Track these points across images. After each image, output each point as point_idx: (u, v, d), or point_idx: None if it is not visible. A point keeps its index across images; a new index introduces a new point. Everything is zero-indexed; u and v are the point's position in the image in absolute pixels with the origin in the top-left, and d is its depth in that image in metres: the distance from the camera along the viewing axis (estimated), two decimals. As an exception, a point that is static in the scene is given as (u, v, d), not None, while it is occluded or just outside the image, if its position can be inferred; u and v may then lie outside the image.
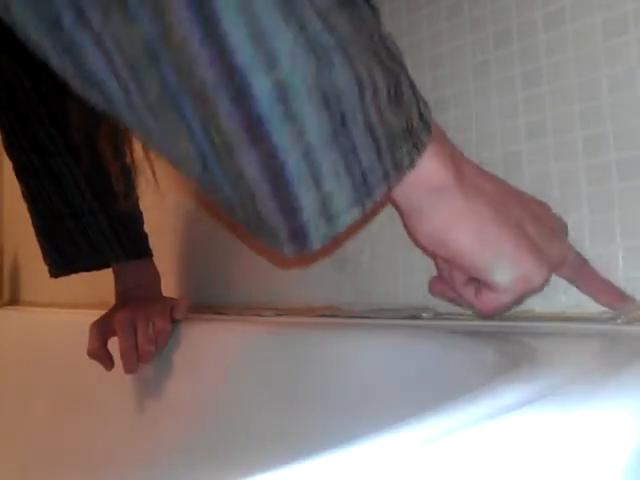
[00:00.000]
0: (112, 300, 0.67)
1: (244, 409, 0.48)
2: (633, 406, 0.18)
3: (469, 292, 0.35)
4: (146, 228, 0.69)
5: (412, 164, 0.29)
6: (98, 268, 0.68)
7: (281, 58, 0.24)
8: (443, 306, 0.46)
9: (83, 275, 0.68)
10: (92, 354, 0.60)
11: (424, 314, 0.47)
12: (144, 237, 0.68)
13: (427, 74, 0.49)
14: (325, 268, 0.57)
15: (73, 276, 0.68)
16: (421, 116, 0.30)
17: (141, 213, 0.68)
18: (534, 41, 0.42)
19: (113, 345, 0.60)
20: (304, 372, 0.44)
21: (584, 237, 0.39)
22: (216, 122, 0.25)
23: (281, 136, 0.25)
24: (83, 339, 0.61)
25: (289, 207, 0.27)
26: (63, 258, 0.66)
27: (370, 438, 0.16)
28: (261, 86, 0.24)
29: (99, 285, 0.79)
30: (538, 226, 0.33)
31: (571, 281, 0.38)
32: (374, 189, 0.28)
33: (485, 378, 0.24)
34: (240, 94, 0.25)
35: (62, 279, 0.68)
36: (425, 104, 0.31)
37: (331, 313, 0.55)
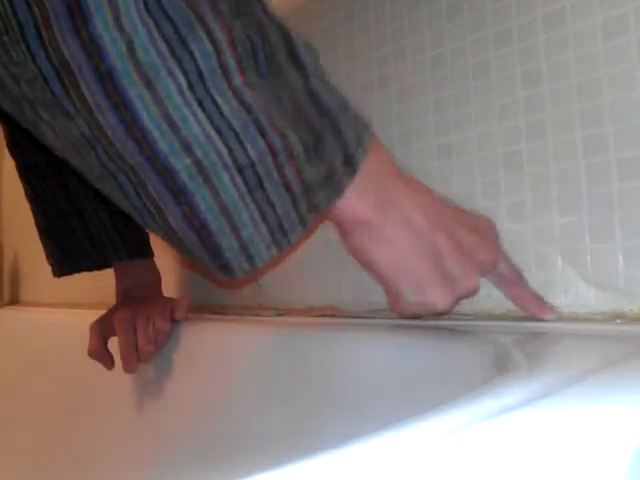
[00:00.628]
0: (112, 300, 0.67)
1: (244, 409, 0.48)
2: (634, 405, 0.18)
3: (390, 297, 0.40)
4: (146, 228, 0.69)
5: (329, 207, 0.34)
6: (100, 267, 0.68)
7: (195, 143, 0.30)
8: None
9: (83, 275, 0.68)
10: (92, 354, 0.60)
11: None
12: (146, 237, 0.68)
13: (428, 74, 0.49)
14: (325, 268, 0.57)
15: (73, 276, 0.68)
16: (346, 160, 0.34)
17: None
18: (534, 41, 0.42)
19: (113, 345, 0.60)
20: (304, 372, 0.44)
21: (584, 237, 0.39)
22: (146, 190, 0.31)
23: (202, 201, 0.31)
24: (83, 339, 0.61)
25: (213, 251, 0.33)
26: (66, 257, 0.66)
27: (370, 438, 0.16)
28: (181, 166, 0.30)
29: (99, 285, 0.79)
30: (459, 255, 0.37)
31: (500, 288, 0.42)
32: (290, 232, 0.34)
33: (485, 378, 0.24)
34: (163, 171, 0.30)
35: (62, 279, 0.68)
36: (358, 142, 0.34)
37: (331, 313, 0.55)
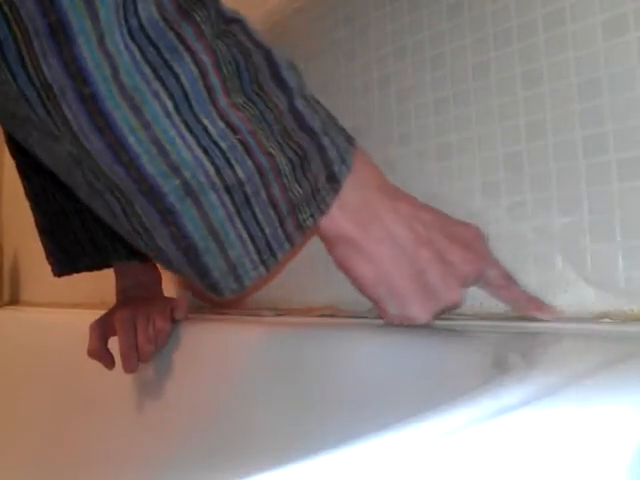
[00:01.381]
0: (112, 300, 0.67)
1: (244, 409, 0.48)
2: (634, 405, 0.18)
3: (378, 307, 0.41)
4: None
5: (314, 224, 0.35)
6: (101, 267, 0.68)
7: (184, 166, 0.30)
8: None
9: (83, 275, 0.68)
10: (92, 354, 0.60)
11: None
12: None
13: (428, 74, 0.49)
14: (325, 268, 0.57)
15: (73, 276, 0.68)
16: (330, 177, 0.35)
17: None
18: (534, 41, 0.42)
19: (113, 345, 0.60)
20: (304, 372, 0.44)
21: (584, 237, 0.39)
22: (133, 210, 0.31)
23: (189, 221, 0.31)
24: (83, 339, 0.61)
25: (201, 271, 0.33)
26: (66, 257, 0.66)
27: (370, 438, 0.16)
28: (168, 187, 0.30)
29: (99, 285, 0.79)
30: (442, 268, 0.37)
31: (492, 294, 0.42)
32: (277, 251, 0.34)
33: (485, 378, 0.24)
34: (151, 193, 0.30)
35: (62, 279, 0.68)
36: (342, 159, 0.35)
37: (331, 313, 0.55)
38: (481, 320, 0.43)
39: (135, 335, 0.58)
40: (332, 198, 0.35)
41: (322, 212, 0.35)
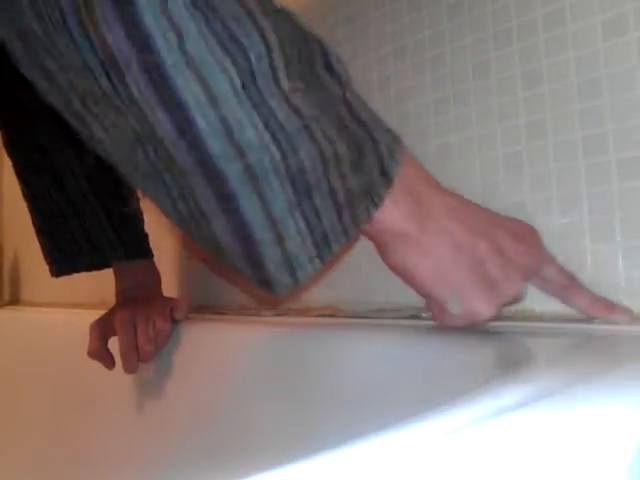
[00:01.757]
0: (112, 300, 0.67)
1: (244, 409, 0.48)
2: (634, 405, 0.18)
3: (434, 309, 0.39)
4: (146, 228, 0.69)
5: (369, 218, 0.33)
6: (99, 268, 0.68)
7: (249, 148, 0.28)
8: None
9: (83, 275, 0.68)
10: (93, 354, 0.60)
11: (424, 314, 0.47)
12: (144, 237, 0.68)
13: (428, 74, 0.49)
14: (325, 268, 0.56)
15: (73, 276, 0.68)
16: (382, 171, 0.33)
17: (142, 213, 0.68)
18: (534, 41, 0.42)
19: (113, 345, 0.60)
20: (304, 372, 0.44)
21: (584, 237, 0.39)
22: (193, 195, 0.30)
23: (249, 209, 0.30)
24: (83, 339, 0.61)
25: (256, 263, 0.32)
26: (64, 257, 0.66)
27: (370, 438, 0.16)
28: (232, 170, 0.28)
29: (99, 285, 0.79)
30: (501, 260, 0.36)
31: (553, 293, 0.39)
32: (333, 244, 0.32)
33: (485, 378, 0.24)
34: (213, 176, 0.29)
35: (62, 279, 0.68)
36: (391, 154, 0.34)
37: (331, 313, 0.55)
38: (481, 320, 0.43)
39: (135, 335, 0.58)
40: (385, 192, 0.33)
41: (376, 205, 0.33)
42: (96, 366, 0.60)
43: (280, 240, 0.31)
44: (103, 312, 0.64)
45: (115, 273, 0.68)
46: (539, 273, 0.38)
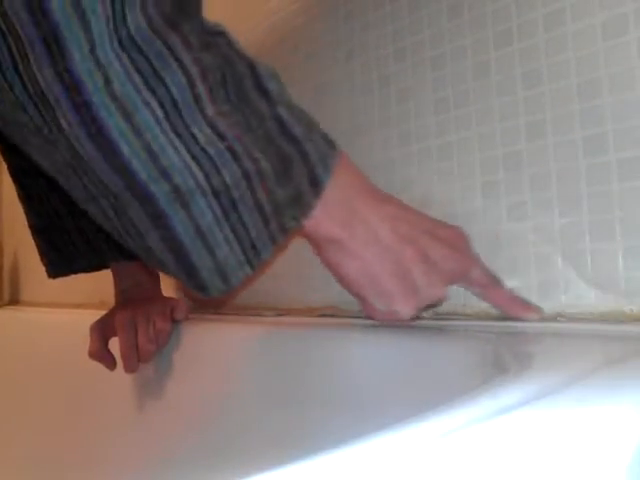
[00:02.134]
0: (111, 300, 0.67)
1: (244, 409, 0.48)
2: (634, 405, 0.18)
3: (364, 305, 0.42)
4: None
5: (298, 225, 0.37)
6: (97, 269, 0.67)
7: (174, 171, 0.31)
8: (443, 306, 0.46)
9: (83, 275, 0.68)
10: (93, 355, 0.60)
11: (424, 314, 0.47)
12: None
13: (428, 74, 0.49)
14: (325, 268, 0.56)
15: (73, 276, 0.68)
16: (313, 181, 0.36)
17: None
18: (534, 41, 0.42)
19: (114, 345, 0.60)
20: (304, 372, 0.44)
21: (584, 237, 0.39)
22: (127, 215, 0.33)
23: (179, 224, 0.33)
24: (83, 339, 0.61)
25: (190, 271, 0.35)
26: (61, 258, 0.66)
27: (370, 438, 0.16)
28: (160, 191, 0.31)
29: (99, 285, 0.79)
30: (425, 266, 0.39)
31: (476, 294, 0.43)
32: (262, 250, 0.36)
33: (484, 378, 0.24)
34: (144, 198, 0.32)
35: (62, 279, 0.68)
36: (323, 164, 0.36)
37: (331, 313, 0.55)
38: (481, 320, 0.43)
39: (136, 335, 0.58)
40: (315, 201, 0.36)
41: (305, 214, 0.36)
42: (96, 366, 0.60)
43: (210, 250, 0.34)
44: (103, 312, 0.64)
45: (114, 274, 0.68)
46: (467, 275, 0.41)
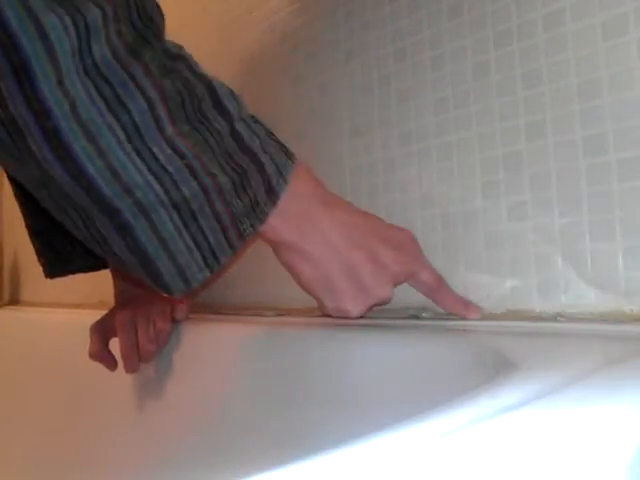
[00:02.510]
0: (111, 300, 0.67)
1: (244, 409, 0.48)
2: (634, 405, 0.18)
3: (318, 303, 0.46)
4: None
5: (255, 232, 0.40)
6: (94, 269, 0.67)
7: (135, 187, 0.34)
8: (443, 306, 0.46)
9: (82, 275, 0.68)
10: (94, 356, 0.60)
11: (424, 314, 0.47)
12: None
13: (428, 74, 0.49)
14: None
15: (73, 276, 0.67)
16: (269, 190, 0.39)
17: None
18: (534, 41, 0.42)
19: (114, 345, 0.60)
20: (304, 372, 0.44)
21: (584, 237, 0.39)
22: (94, 225, 0.36)
23: (143, 234, 0.36)
24: (83, 339, 0.61)
25: (154, 274, 0.38)
26: (58, 259, 0.65)
27: (370, 438, 0.16)
28: (123, 205, 0.35)
29: (99, 285, 0.79)
30: (373, 268, 0.43)
31: (425, 294, 0.46)
32: (220, 256, 0.39)
33: (485, 378, 0.24)
34: (109, 211, 0.35)
35: (61, 279, 0.67)
36: (280, 175, 0.40)
37: (331, 313, 0.55)
38: (481, 320, 0.43)
39: (136, 335, 0.58)
40: (270, 209, 0.40)
41: (261, 222, 0.40)
42: (96, 366, 0.60)
43: (172, 256, 0.37)
44: (103, 312, 0.63)
45: (112, 274, 0.68)
46: (415, 277, 0.45)
